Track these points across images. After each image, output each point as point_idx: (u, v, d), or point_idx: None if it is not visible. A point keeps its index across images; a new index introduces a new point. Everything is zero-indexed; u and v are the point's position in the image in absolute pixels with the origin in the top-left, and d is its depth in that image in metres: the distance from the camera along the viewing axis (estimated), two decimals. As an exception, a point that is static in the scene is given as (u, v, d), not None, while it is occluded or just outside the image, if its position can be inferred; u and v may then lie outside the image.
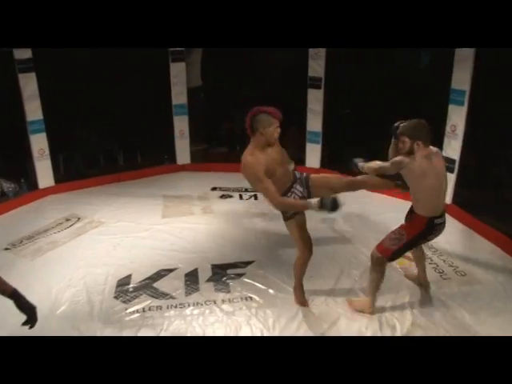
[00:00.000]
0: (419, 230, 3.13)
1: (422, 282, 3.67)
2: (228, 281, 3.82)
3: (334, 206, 2.97)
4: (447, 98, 4.79)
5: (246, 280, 3.83)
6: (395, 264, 4.08)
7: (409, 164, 2.98)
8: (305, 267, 3.43)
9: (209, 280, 3.84)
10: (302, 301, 3.51)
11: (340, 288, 3.70)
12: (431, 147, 3.06)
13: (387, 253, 3.19)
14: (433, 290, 3.64)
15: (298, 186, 3.32)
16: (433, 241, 4.40)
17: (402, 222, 3.33)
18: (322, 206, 2.97)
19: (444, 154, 4.96)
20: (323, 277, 3.83)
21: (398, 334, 3.22)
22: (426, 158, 2.98)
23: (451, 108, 4.79)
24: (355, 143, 5.50)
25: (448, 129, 4.86)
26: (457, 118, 4.75)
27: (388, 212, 4.78)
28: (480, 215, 4.61)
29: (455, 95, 4.74)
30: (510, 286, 3.70)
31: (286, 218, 3.32)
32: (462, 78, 4.63)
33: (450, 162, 4.74)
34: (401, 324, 3.30)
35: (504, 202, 4.83)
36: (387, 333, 3.22)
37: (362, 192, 3.83)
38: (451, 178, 4.66)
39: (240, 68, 6.45)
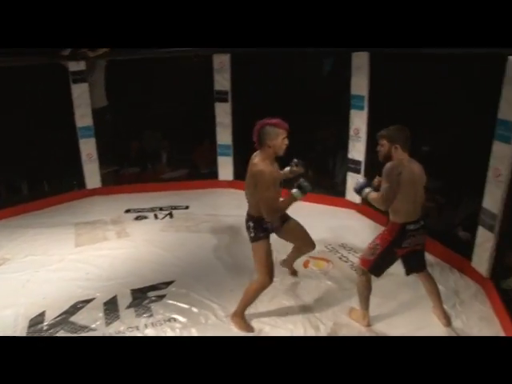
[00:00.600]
0: (391, 238, 3.14)
1: (437, 315, 3.41)
2: (149, 304, 3.71)
3: (310, 186, 3.15)
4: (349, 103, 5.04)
5: (167, 301, 3.74)
6: (314, 267, 4.21)
7: (400, 168, 2.98)
8: (259, 294, 3.36)
9: (129, 306, 3.70)
10: (248, 327, 3.38)
11: (261, 299, 3.57)
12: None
13: (366, 264, 3.23)
14: (351, 286, 3.74)
15: None
16: (347, 240, 4.63)
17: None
18: (302, 190, 3.13)
19: (350, 156, 5.21)
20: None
21: (323, 334, 3.30)
22: (409, 163, 3.04)
23: (353, 113, 5.04)
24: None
25: (352, 132, 5.11)
26: (359, 121, 5.00)
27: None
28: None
29: (355, 100, 4.99)
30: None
31: (257, 239, 3.27)
32: (359, 83, 4.89)
33: (355, 163, 4.98)
34: (324, 324, 3.40)
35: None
36: (312, 334, 3.28)
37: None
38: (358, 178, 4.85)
39: (146, 85, 6.34)
